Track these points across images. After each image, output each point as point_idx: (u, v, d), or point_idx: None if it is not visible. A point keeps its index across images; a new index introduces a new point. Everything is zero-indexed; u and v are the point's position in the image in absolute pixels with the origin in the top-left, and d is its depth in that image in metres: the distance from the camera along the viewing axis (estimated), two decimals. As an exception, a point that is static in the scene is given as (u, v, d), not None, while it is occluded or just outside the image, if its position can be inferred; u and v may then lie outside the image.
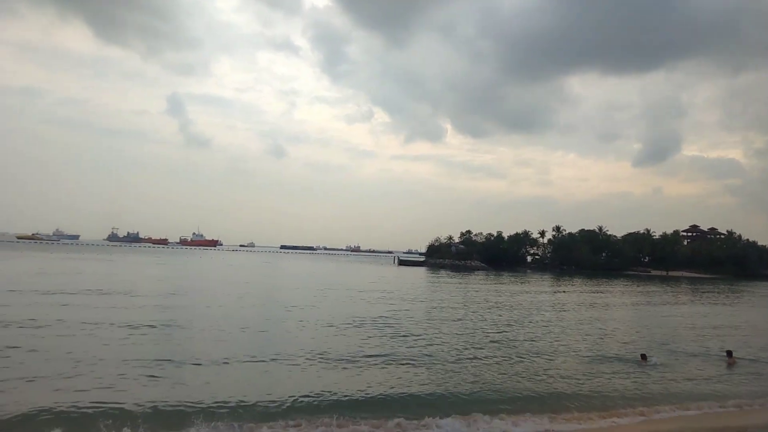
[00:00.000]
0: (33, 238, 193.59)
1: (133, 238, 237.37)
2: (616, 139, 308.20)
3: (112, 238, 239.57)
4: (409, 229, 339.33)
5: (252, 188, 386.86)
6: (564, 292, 51.03)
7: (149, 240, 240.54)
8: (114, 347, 15.58)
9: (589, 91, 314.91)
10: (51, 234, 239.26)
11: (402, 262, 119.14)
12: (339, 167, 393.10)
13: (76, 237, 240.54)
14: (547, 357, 17.27)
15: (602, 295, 48.89)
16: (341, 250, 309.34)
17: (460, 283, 55.95)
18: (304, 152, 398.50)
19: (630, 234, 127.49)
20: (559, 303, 38.22)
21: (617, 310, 34.96)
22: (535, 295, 43.77)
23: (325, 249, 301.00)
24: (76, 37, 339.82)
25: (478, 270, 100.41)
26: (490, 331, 22.34)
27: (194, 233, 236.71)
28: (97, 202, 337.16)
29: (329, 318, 23.59)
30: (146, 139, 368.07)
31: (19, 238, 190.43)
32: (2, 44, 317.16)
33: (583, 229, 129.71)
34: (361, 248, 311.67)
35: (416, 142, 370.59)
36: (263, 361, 14.70)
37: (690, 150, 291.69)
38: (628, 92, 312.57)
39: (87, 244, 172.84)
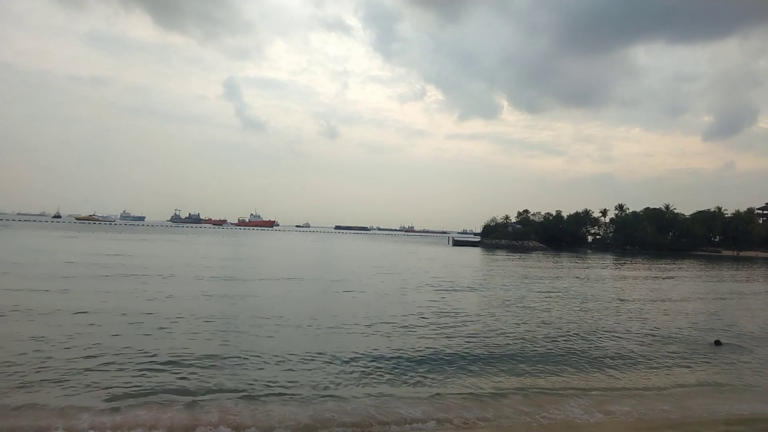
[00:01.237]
0: (91, 219, 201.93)
1: (194, 219, 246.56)
2: (684, 112, 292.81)
3: (175, 219, 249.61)
4: (464, 209, 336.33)
5: (307, 169, 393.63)
6: (627, 272, 48.79)
7: (209, 221, 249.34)
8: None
9: (655, 61, 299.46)
10: (118, 216, 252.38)
11: (457, 243, 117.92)
12: (392, 147, 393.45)
13: (142, 218, 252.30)
14: (614, 340, 16.30)
15: (668, 276, 46.42)
16: (395, 230, 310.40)
17: (517, 264, 54.60)
18: (357, 133, 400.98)
19: (699, 212, 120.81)
20: (623, 284, 36.48)
21: (683, 292, 32.98)
22: (597, 275, 42.03)
23: (379, 229, 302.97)
24: (138, 25, 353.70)
25: (536, 250, 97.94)
26: (547, 311, 21.45)
27: (252, 214, 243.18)
28: (161, 185, 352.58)
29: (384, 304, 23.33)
30: (206, 123, 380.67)
31: (78, 219, 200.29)
32: (72, 35, 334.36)
33: (648, 208, 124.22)
34: (415, 228, 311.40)
35: (471, 119, 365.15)
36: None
37: (766, 122, 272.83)
38: (698, 62, 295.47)
39: (151, 225, 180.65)
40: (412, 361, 12.59)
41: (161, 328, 14.89)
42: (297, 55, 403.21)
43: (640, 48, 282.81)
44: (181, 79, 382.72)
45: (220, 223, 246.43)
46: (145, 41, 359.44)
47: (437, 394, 10.27)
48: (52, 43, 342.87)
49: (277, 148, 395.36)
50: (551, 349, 14.60)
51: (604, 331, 17.63)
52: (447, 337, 15.41)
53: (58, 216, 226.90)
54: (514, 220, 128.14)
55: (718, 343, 16.26)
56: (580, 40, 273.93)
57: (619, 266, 58.56)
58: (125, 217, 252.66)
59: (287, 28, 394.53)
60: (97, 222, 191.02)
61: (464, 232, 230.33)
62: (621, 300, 26.83)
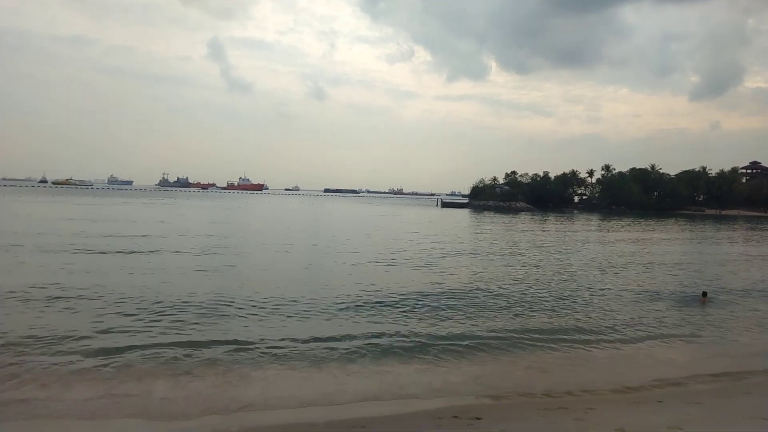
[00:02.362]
0: (68, 183, 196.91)
1: (182, 183, 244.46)
2: (672, 72, 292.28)
3: (163, 183, 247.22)
4: (453, 171, 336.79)
5: (295, 132, 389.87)
6: (613, 233, 49.65)
7: (198, 185, 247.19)
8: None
9: (644, 20, 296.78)
10: (106, 180, 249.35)
11: (445, 204, 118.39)
12: (381, 109, 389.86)
13: (130, 183, 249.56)
14: (599, 295, 16.81)
15: (651, 234, 47.35)
16: (384, 193, 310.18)
17: (502, 224, 55.27)
18: (345, 94, 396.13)
19: (684, 172, 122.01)
20: (606, 242, 37.19)
21: (665, 249, 33.76)
22: (581, 234, 42.78)
23: (368, 192, 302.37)
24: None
25: (523, 211, 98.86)
26: (532, 269, 21.95)
27: (240, 178, 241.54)
28: (149, 149, 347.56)
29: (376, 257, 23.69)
30: (191, 84, 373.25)
31: (55, 184, 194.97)
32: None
33: (634, 168, 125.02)
34: (404, 191, 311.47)
35: (459, 81, 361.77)
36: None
37: (753, 81, 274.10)
38: (687, 21, 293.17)
39: (139, 190, 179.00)
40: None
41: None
42: (283, 15, 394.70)
43: (629, 7, 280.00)
44: (165, 40, 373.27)
45: (209, 186, 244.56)
46: (126, 0, 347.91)
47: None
48: (30, 2, 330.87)
49: (265, 111, 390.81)
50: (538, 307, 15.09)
51: (593, 289, 18.17)
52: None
53: (44, 181, 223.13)
54: (502, 181, 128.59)
55: (705, 294, 16.98)
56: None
57: (604, 226, 59.47)
58: (112, 181, 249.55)
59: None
60: (74, 186, 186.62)
61: (453, 194, 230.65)
62: (607, 259, 27.43)
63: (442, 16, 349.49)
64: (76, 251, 22.72)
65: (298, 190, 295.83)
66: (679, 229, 56.74)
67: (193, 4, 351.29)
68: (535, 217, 75.12)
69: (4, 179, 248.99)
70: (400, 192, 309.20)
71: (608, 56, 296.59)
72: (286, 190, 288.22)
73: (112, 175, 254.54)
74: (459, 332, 11.97)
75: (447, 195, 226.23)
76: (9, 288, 14.49)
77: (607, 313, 14.62)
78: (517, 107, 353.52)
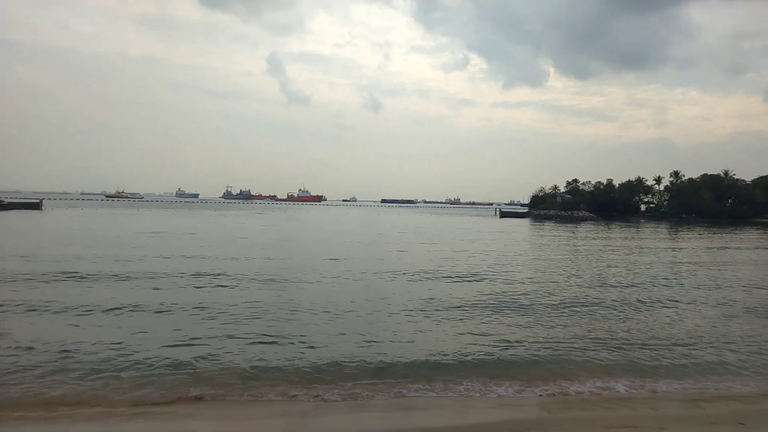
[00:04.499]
0: (119, 196, 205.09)
1: (245, 196, 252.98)
2: (745, 71, 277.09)
3: (227, 195, 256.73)
4: (512, 180, 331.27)
5: (352, 143, 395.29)
6: (684, 243, 47.25)
7: (259, 196, 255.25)
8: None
9: (712, 18, 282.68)
10: (174, 193, 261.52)
11: (504, 214, 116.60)
12: (437, 118, 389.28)
13: (196, 195, 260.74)
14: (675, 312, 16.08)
15: (730, 245, 44.71)
16: (441, 202, 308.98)
17: (565, 234, 53.76)
18: (401, 104, 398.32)
19: (762, 177, 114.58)
20: (681, 255, 35.45)
21: (745, 258, 31.78)
22: (649, 242, 40.95)
23: (425, 202, 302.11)
24: (184, 6, 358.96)
25: (586, 220, 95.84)
26: (600, 279, 21.24)
27: (300, 189, 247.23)
28: (213, 162, 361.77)
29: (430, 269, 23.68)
30: (252, 99, 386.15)
31: (107, 197, 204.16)
32: (124, 18, 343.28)
33: (705, 174, 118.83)
34: (462, 200, 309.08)
35: (516, 87, 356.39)
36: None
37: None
38: (760, 17, 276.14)
39: (204, 202, 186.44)
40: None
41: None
42: (339, 28, 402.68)
43: (695, 5, 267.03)
44: (228, 57, 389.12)
45: (271, 198, 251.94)
46: (192, 21, 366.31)
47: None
48: (106, 27, 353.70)
49: (323, 123, 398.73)
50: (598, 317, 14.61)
51: (665, 302, 17.41)
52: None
53: (121, 194, 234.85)
54: (563, 189, 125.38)
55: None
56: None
57: (674, 235, 56.70)
58: (180, 194, 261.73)
59: (329, 1, 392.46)
60: (126, 199, 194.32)
61: (511, 203, 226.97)
62: (680, 270, 26.16)
63: (496, 23, 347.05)
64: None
65: (355, 201, 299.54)
66: (756, 239, 53.33)
67: (253, 22, 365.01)
68: (600, 227, 72.62)
69: (82, 194, 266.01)
70: (457, 202, 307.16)
71: (674, 57, 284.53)
72: (343, 201, 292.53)
73: (179, 189, 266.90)
74: (521, 344, 11.78)
75: (506, 204, 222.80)
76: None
77: (679, 326, 13.96)
78: (577, 113, 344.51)
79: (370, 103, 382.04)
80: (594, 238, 48.81)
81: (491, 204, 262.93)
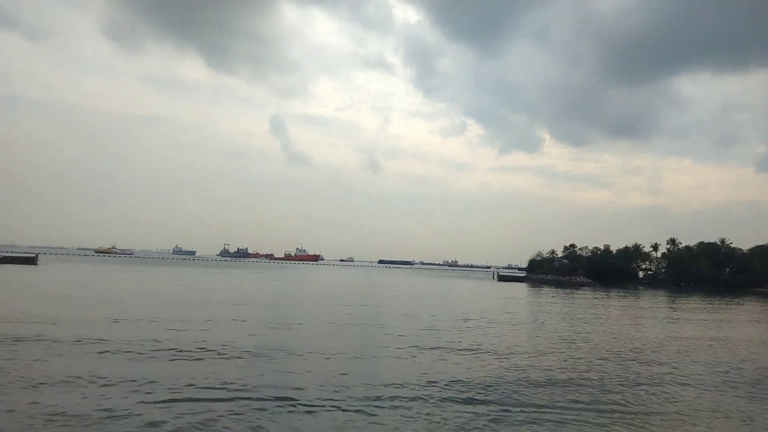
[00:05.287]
0: (110, 252, 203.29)
1: (242, 254, 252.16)
2: (736, 142, 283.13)
3: (224, 253, 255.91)
4: (509, 243, 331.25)
5: (350, 204, 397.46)
6: (684, 313, 46.83)
7: (256, 255, 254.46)
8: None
9: (702, 91, 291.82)
10: (170, 250, 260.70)
11: (502, 278, 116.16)
12: (435, 181, 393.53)
13: (193, 252, 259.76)
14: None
15: (732, 316, 44.32)
16: (438, 265, 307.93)
17: (564, 300, 53.32)
18: (400, 166, 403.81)
19: (758, 247, 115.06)
20: (684, 325, 35.06)
21: (754, 333, 31.40)
22: (648, 312, 40.54)
23: (423, 263, 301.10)
24: (191, 67, 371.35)
25: (584, 286, 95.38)
26: (606, 352, 20.87)
27: (297, 248, 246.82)
28: (211, 220, 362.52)
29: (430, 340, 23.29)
30: (254, 158, 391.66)
31: (97, 252, 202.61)
32: (129, 77, 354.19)
33: (702, 242, 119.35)
34: (459, 263, 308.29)
35: (512, 153, 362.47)
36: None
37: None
38: (748, 91, 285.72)
39: (201, 260, 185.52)
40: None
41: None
42: (341, 93, 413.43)
43: (685, 78, 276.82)
44: (232, 117, 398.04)
45: (268, 257, 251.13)
46: (198, 82, 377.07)
47: None
48: (112, 84, 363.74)
49: (322, 183, 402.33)
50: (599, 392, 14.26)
51: (673, 374, 17.05)
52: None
53: (128, 252, 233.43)
54: (560, 254, 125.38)
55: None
56: (622, 70, 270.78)
57: (673, 304, 56.26)
58: (177, 251, 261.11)
59: (331, 67, 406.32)
60: (117, 254, 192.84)
61: (509, 267, 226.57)
62: (683, 342, 25.80)
63: (493, 91, 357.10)
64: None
65: (352, 261, 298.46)
66: (758, 310, 52.94)
67: (258, 85, 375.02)
68: (598, 293, 72.17)
69: (78, 248, 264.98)
70: (454, 264, 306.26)
71: (667, 127, 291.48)
72: (341, 260, 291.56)
73: (176, 245, 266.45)
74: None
75: (504, 268, 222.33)
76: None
77: (684, 400, 13.63)
78: (573, 179, 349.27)
79: (370, 164, 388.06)
80: (595, 306, 48.36)
81: (489, 267, 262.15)
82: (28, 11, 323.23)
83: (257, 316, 28.71)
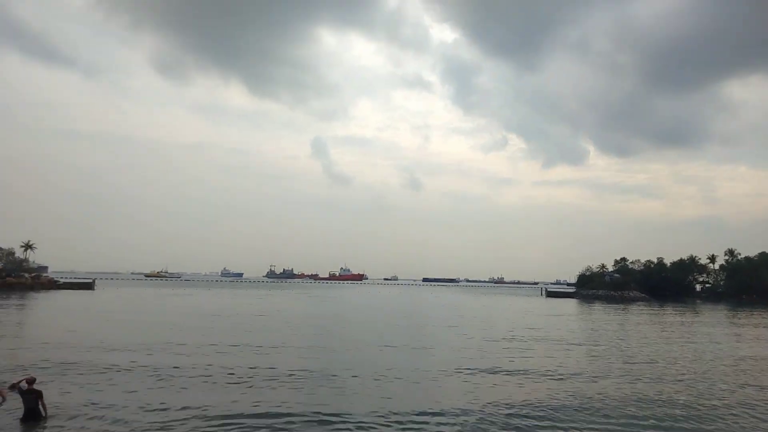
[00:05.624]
0: (159, 275, 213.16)
1: (288, 275, 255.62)
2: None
3: (270, 275, 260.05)
4: (557, 258, 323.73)
5: (393, 222, 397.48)
6: (751, 327, 44.29)
7: (302, 275, 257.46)
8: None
9: (755, 95, 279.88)
10: (219, 273, 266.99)
11: (550, 294, 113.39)
12: (478, 197, 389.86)
13: (240, 275, 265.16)
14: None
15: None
16: (484, 281, 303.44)
17: (619, 316, 51.37)
18: (441, 184, 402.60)
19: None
20: (756, 343, 33.14)
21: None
22: (706, 328, 38.46)
23: (468, 281, 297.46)
24: (235, 94, 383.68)
25: (638, 301, 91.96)
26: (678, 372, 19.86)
27: (342, 268, 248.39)
28: (258, 242, 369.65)
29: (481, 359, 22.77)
30: (297, 180, 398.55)
31: (147, 276, 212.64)
32: (177, 106, 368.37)
33: (764, 252, 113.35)
34: (505, 280, 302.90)
35: (557, 166, 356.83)
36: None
37: None
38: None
39: (249, 281, 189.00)
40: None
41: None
42: (380, 113, 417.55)
43: (735, 82, 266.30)
44: (274, 141, 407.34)
45: (312, 277, 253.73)
46: (242, 108, 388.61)
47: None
48: (161, 115, 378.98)
49: (364, 202, 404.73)
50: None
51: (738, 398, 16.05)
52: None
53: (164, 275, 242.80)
54: (611, 268, 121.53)
55: None
56: (666, 77, 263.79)
57: (738, 319, 53.32)
58: (225, 273, 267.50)
59: (370, 88, 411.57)
60: (166, 278, 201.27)
61: (558, 283, 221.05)
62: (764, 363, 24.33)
63: (533, 104, 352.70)
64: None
65: (396, 279, 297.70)
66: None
67: (300, 109, 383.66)
68: (654, 308, 69.34)
69: (132, 273, 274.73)
70: (501, 281, 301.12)
71: (719, 134, 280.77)
72: (385, 279, 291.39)
73: (225, 268, 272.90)
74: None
75: (552, 284, 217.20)
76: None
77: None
78: (621, 190, 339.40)
79: (411, 182, 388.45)
80: (652, 322, 46.36)
81: (536, 283, 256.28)
82: (85, 50, 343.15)
83: (306, 337, 28.85)
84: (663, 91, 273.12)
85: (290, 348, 24.60)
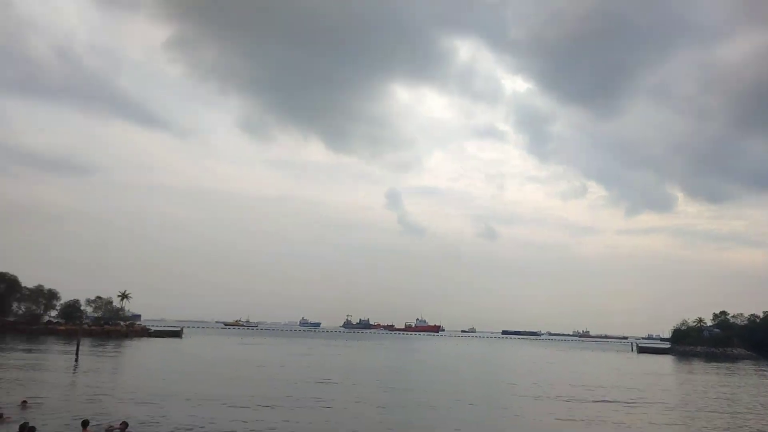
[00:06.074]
0: (237, 324, 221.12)
1: (364, 325, 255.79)
2: None
3: (347, 325, 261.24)
4: (646, 311, 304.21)
5: (468, 272, 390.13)
6: None
7: (377, 326, 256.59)
8: None
9: None
10: (297, 322, 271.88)
11: (642, 350, 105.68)
12: (557, 246, 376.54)
13: (318, 324, 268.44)
14: None
15: None
16: (568, 335, 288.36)
17: (723, 378, 46.70)
18: (517, 233, 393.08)
19: None
20: None
21: None
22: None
23: (550, 334, 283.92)
24: (314, 150, 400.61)
25: (743, 359, 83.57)
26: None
27: (417, 319, 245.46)
28: (335, 292, 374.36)
29: None
30: (372, 231, 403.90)
31: (225, 324, 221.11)
32: (260, 162, 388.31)
33: None
34: (591, 333, 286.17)
35: (642, 213, 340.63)
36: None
37: None
38: None
39: (326, 331, 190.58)
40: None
41: None
42: (453, 163, 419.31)
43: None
44: (350, 193, 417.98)
45: (388, 328, 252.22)
46: (320, 162, 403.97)
47: None
48: (245, 170, 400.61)
49: (438, 252, 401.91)
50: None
51: None
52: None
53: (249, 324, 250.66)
54: (709, 323, 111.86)
55: None
56: (758, 119, 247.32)
57: None
58: (303, 323, 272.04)
59: (443, 140, 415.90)
60: (243, 327, 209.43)
61: (649, 338, 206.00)
62: None
63: (612, 150, 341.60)
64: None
65: (474, 332, 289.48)
66: None
67: (375, 162, 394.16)
68: (764, 367, 62.64)
69: (217, 322, 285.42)
70: (586, 335, 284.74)
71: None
72: (462, 332, 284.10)
73: (303, 318, 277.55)
74: None
75: (643, 338, 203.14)
76: None
77: None
78: (716, 238, 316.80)
79: (486, 232, 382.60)
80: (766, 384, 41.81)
81: (626, 338, 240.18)
82: (178, 114, 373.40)
83: (386, 393, 28.40)
84: (755, 133, 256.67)
85: (375, 407, 24.22)
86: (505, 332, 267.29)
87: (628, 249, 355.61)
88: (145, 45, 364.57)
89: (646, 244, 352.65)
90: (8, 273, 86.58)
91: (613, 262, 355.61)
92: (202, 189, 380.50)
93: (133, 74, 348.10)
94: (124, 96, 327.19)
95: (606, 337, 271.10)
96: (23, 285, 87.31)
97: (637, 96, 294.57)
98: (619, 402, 28.12)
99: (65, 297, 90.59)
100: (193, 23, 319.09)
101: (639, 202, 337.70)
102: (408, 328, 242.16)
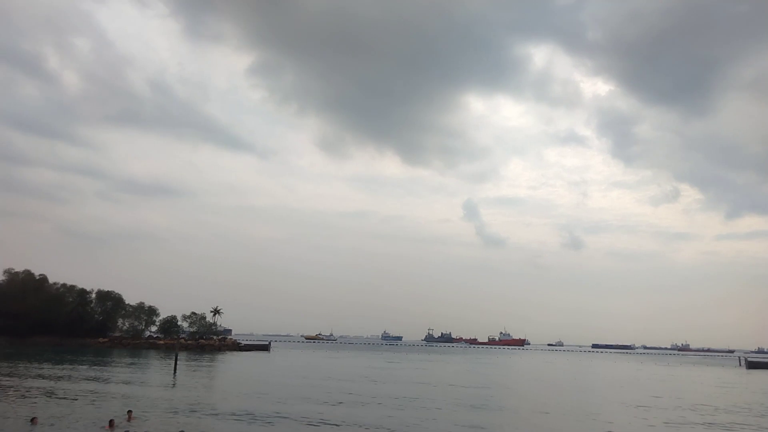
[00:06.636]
0: (317, 338, 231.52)
1: (446, 338, 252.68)
2: None
3: (429, 338, 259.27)
4: (754, 322, 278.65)
5: (553, 283, 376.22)
6: None
7: (459, 339, 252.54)
8: None
9: None
10: (379, 336, 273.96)
11: (752, 365, 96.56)
12: (649, 254, 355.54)
13: (400, 338, 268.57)
14: None
15: None
16: (665, 349, 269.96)
17: None
18: (605, 241, 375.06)
19: None
20: None
21: None
22: None
23: (645, 348, 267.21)
24: (390, 164, 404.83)
25: None
26: None
27: (501, 332, 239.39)
28: (415, 305, 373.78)
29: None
30: (450, 243, 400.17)
31: (306, 338, 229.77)
32: (338, 179, 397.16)
33: None
34: (691, 347, 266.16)
35: (743, 217, 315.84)
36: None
37: None
38: None
39: (408, 345, 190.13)
40: None
41: None
42: (532, 171, 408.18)
43: None
44: (427, 205, 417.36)
45: (470, 341, 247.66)
46: (396, 176, 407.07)
47: None
48: (324, 188, 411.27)
49: (520, 263, 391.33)
50: None
51: None
52: None
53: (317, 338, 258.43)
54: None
55: None
56: None
57: None
58: (385, 337, 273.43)
59: (521, 148, 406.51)
60: (321, 340, 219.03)
61: (760, 351, 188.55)
62: None
63: (705, 150, 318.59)
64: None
65: (561, 345, 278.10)
66: None
67: (450, 173, 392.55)
68: None
69: (301, 335, 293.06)
70: (686, 348, 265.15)
71: None
72: (548, 345, 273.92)
73: (385, 331, 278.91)
74: None
75: (753, 352, 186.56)
76: None
77: None
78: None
79: (570, 241, 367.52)
80: None
81: (732, 351, 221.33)
82: (261, 136, 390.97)
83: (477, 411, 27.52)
84: None
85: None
86: (595, 346, 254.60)
87: (729, 255, 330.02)
88: (229, 72, 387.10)
89: (751, 249, 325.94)
90: (114, 291, 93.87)
91: (713, 270, 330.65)
92: (284, 207, 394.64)
93: (219, 101, 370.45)
94: (212, 122, 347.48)
95: (709, 350, 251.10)
96: (126, 302, 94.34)
97: (731, 91, 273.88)
98: (734, 427, 25.49)
99: (163, 313, 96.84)
100: (272, 50, 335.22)
101: (740, 205, 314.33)
102: (491, 342, 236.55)
